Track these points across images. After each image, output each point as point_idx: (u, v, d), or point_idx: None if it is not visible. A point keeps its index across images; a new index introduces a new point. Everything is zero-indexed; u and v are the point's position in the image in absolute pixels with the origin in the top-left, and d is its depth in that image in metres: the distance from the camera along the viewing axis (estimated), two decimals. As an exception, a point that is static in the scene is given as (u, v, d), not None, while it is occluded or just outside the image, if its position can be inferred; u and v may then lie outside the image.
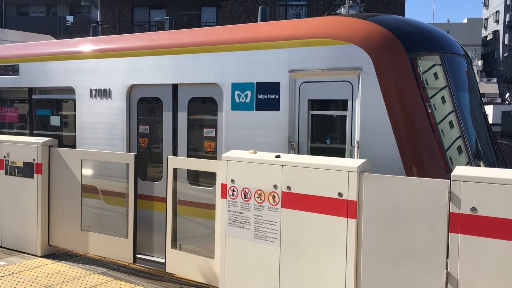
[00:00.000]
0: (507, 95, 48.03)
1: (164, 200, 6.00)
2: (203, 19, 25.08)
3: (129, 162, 5.89)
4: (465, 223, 3.87)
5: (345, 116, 5.82)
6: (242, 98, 6.43)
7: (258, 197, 4.97)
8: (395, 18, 6.31)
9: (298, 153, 6.06)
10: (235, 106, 6.49)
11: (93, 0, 27.83)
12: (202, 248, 5.96)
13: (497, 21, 63.55)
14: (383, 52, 5.64)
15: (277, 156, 4.94)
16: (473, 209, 3.83)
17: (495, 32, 63.83)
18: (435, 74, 5.98)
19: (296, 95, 6.11)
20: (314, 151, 6.06)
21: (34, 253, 6.69)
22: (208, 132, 6.90)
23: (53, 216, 6.67)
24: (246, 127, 6.39)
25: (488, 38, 66.17)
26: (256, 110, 6.33)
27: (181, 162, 5.84)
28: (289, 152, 6.06)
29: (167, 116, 7.18)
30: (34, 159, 6.64)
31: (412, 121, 5.57)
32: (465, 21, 63.28)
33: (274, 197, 4.87)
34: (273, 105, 6.20)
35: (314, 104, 6.08)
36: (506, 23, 59.16)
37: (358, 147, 5.64)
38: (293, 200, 4.75)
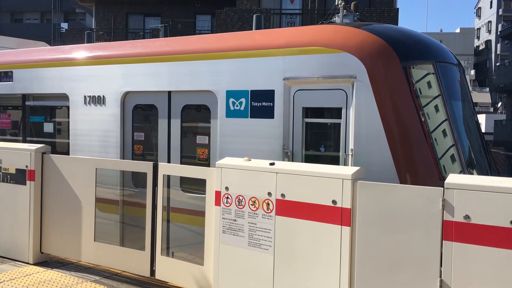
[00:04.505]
0: (500, 104, 48.38)
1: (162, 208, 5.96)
2: (198, 27, 25.13)
3: (147, 172, 5.81)
4: (458, 231, 3.88)
5: (339, 124, 5.84)
6: (237, 106, 6.44)
7: (252, 205, 4.97)
8: (389, 27, 6.36)
9: (292, 161, 6.06)
10: (230, 113, 6.50)
11: (88, 7, 27.84)
12: (192, 255, 5.94)
13: (489, 31, 64.15)
14: (377, 60, 5.67)
15: (272, 164, 4.94)
16: (467, 217, 3.85)
17: (488, 42, 64.40)
18: (428, 83, 6.02)
19: (291, 103, 6.13)
20: (308, 159, 6.07)
21: (26, 261, 6.63)
22: (201, 139, 6.89)
23: (46, 224, 6.62)
24: (241, 134, 6.39)
25: (480, 48, 66.74)
26: (250, 117, 6.34)
27: (171, 168, 5.82)
28: (283, 160, 6.06)
29: (162, 123, 7.17)
30: (27, 166, 6.60)
31: (406, 129, 5.60)
32: (458, 30, 63.80)
33: (268, 204, 4.87)
34: (268, 113, 6.22)
35: (309, 112, 6.09)
36: (498, 33, 59.73)
37: (352, 155, 5.66)
38: (287, 208, 4.75)
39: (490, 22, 64.25)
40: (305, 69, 5.98)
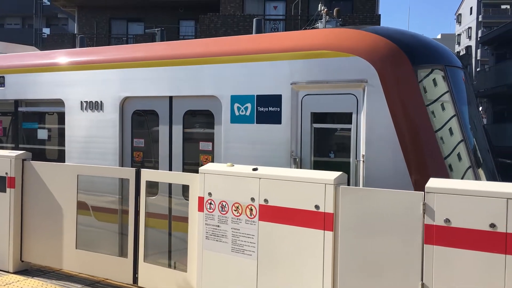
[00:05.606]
0: (480, 109, 49.12)
1: (159, 216, 5.87)
2: (182, 32, 25.10)
3: (129, 178, 5.74)
4: (439, 235, 3.92)
5: (350, 129, 5.72)
6: (242, 111, 6.30)
7: (236, 210, 4.96)
8: (399, 30, 6.25)
9: (301, 167, 5.93)
10: (235, 119, 6.34)
11: (70, 13, 27.62)
12: (175, 261, 5.88)
13: (469, 37, 65.20)
14: (389, 64, 5.57)
15: (255, 169, 4.94)
16: (447, 220, 3.89)
17: (468, 48, 65.24)
18: (440, 87, 5.93)
19: (299, 108, 5.99)
20: (317, 165, 5.92)
21: (5, 270, 6.52)
22: (204, 145, 6.75)
23: (27, 231, 6.52)
24: (246, 140, 6.23)
25: (461, 53, 67.74)
26: (256, 123, 6.19)
27: (154, 175, 5.77)
28: (291, 167, 5.93)
29: (163, 129, 6.98)
30: (6, 173, 6.50)
31: (419, 134, 5.49)
32: (439, 36, 64.76)
33: (251, 210, 4.87)
34: (275, 118, 6.07)
35: (317, 117, 5.96)
36: (478, 39, 60.76)
37: (363, 160, 5.54)
38: (271, 213, 4.75)
39: (470, 28, 65.32)
40: (313, 73, 5.84)
